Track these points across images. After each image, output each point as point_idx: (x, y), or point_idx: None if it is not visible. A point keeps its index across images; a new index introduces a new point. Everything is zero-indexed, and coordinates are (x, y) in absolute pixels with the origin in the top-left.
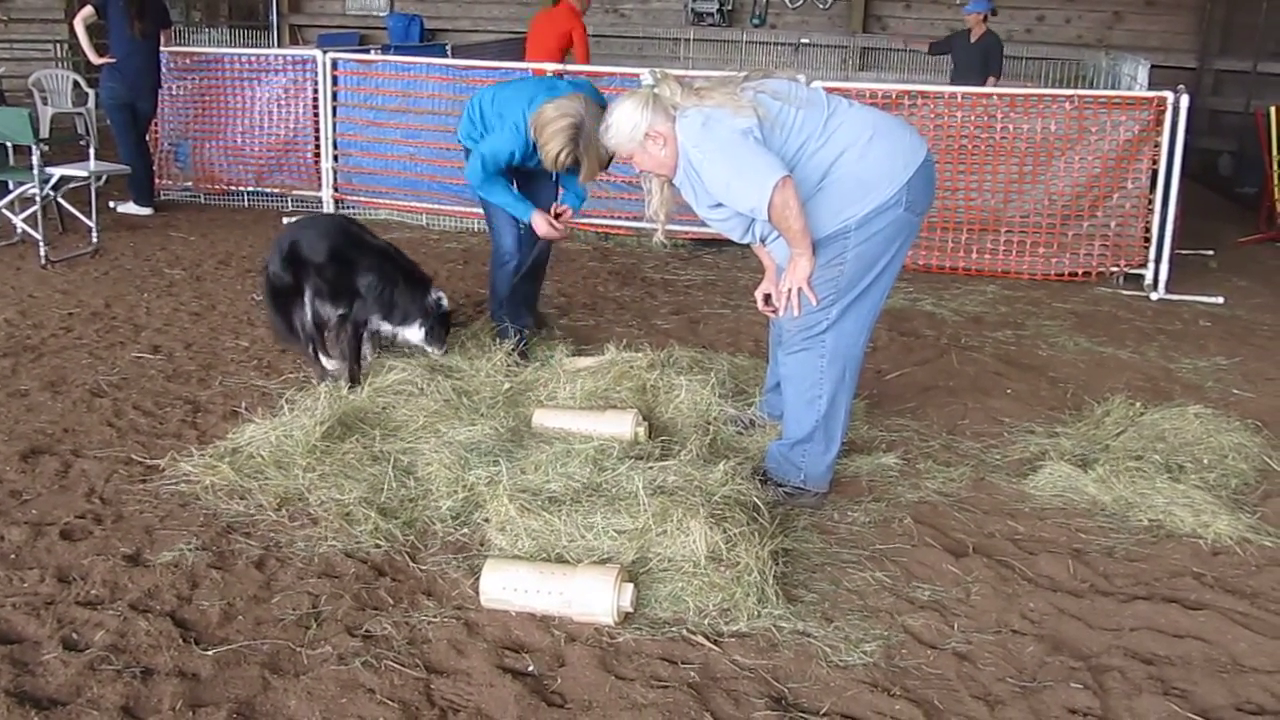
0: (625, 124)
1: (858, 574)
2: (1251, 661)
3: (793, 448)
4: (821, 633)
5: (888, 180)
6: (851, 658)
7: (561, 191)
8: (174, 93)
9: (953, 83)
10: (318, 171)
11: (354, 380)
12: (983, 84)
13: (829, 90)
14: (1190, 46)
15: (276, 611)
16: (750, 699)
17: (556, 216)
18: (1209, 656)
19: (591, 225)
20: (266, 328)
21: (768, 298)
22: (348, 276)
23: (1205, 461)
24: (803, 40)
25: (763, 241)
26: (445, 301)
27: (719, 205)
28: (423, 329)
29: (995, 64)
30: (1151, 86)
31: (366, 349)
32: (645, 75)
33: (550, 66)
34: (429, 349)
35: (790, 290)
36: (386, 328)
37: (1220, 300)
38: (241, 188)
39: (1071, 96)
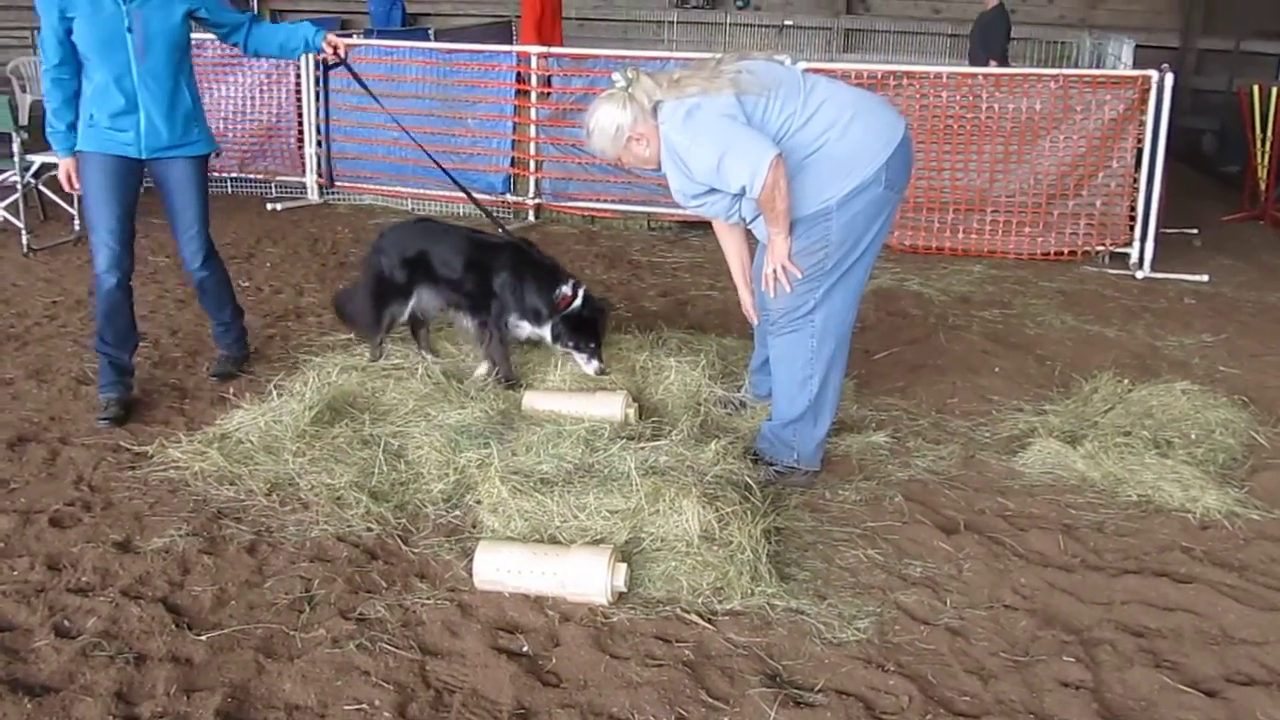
0: (608, 128)
1: (850, 551)
2: (1241, 633)
3: (785, 427)
4: (815, 610)
5: (868, 159)
6: (845, 634)
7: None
8: None
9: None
10: (301, 157)
11: (508, 380)
12: (983, 64)
13: (814, 72)
14: (1173, 25)
15: (269, 596)
16: (745, 676)
17: None
18: (1199, 629)
19: (577, 209)
20: (336, 306)
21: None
22: (485, 282)
23: (1193, 437)
24: (786, 22)
25: (743, 221)
26: (577, 296)
27: (703, 194)
28: (551, 329)
29: (993, 41)
30: (1135, 66)
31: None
32: (617, 76)
33: (535, 50)
34: (578, 358)
35: (775, 270)
36: (526, 327)
37: (1205, 278)
38: (224, 174)
39: (1056, 76)
